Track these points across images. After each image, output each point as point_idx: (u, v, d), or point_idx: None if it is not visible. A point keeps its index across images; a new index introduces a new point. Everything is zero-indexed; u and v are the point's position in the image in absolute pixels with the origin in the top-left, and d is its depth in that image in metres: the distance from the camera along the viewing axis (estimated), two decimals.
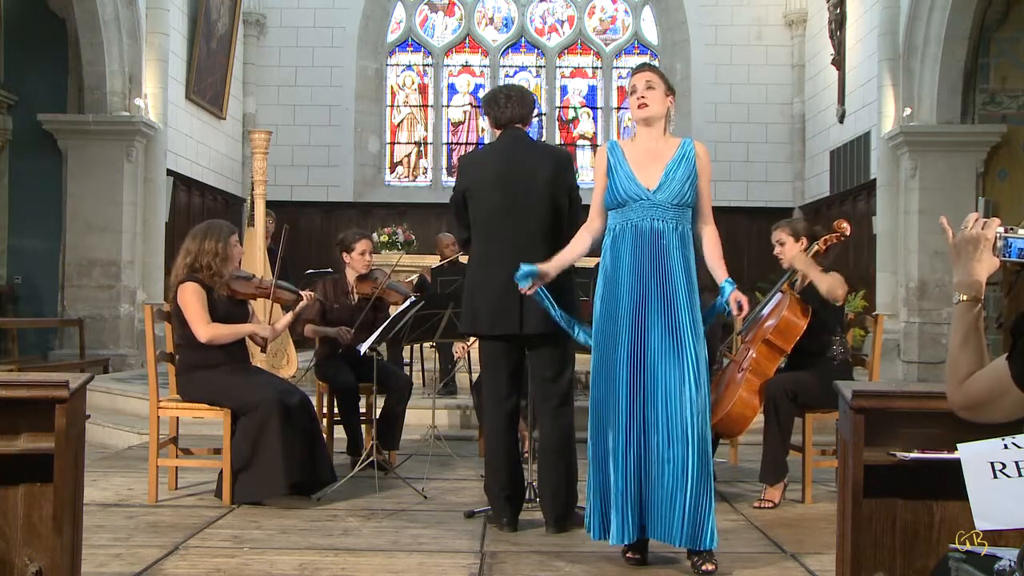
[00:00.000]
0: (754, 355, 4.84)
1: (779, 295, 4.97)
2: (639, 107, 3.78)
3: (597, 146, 14.66)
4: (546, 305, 3.89)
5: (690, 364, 3.57)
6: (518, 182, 4.18)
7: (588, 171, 14.46)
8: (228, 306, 4.80)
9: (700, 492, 3.53)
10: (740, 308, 3.68)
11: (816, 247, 4.96)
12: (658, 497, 3.56)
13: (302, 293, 5.22)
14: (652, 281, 3.63)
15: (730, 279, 3.76)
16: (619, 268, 3.68)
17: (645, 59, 14.65)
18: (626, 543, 3.65)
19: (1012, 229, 1.91)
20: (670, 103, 3.82)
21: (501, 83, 14.60)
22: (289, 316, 5.20)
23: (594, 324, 3.77)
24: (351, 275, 5.76)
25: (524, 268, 3.79)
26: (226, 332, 4.71)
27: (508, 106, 4.32)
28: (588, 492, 3.72)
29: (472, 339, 6.03)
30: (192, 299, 4.66)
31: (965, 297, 1.92)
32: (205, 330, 4.65)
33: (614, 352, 3.64)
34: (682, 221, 3.70)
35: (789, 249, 4.98)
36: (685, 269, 3.65)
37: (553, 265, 3.85)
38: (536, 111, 4.49)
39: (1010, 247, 1.91)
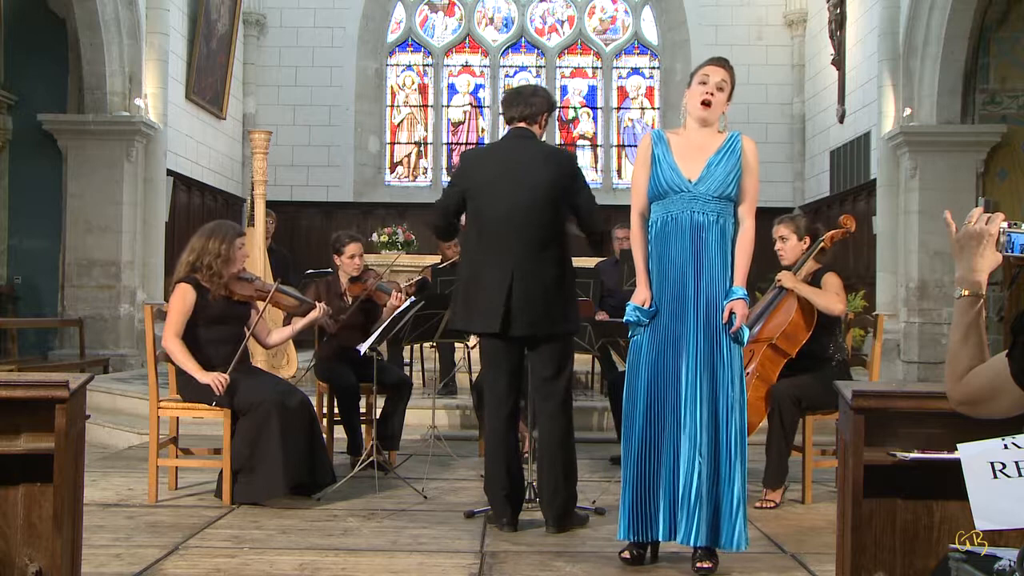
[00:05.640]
0: (760, 359, 4.80)
1: (782, 295, 4.92)
2: (703, 104, 3.71)
3: (597, 146, 14.67)
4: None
5: (723, 361, 3.56)
6: (519, 184, 4.17)
7: (588, 171, 14.48)
8: (225, 306, 4.79)
9: (718, 491, 3.52)
10: (731, 318, 3.58)
11: (822, 243, 4.95)
12: (684, 496, 3.54)
13: (318, 304, 5.16)
14: (693, 276, 3.60)
15: (741, 288, 3.61)
16: (662, 263, 3.65)
17: (645, 59, 14.66)
18: (674, 540, 3.58)
19: (1016, 224, 1.91)
20: (727, 107, 3.80)
21: (501, 83, 14.60)
22: (296, 326, 5.18)
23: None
24: (343, 277, 5.77)
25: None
26: (179, 357, 4.66)
27: (515, 104, 4.33)
28: (632, 493, 3.60)
29: (473, 340, 6.03)
30: (176, 302, 4.69)
31: (967, 292, 1.92)
32: (169, 340, 4.67)
33: (665, 348, 3.60)
34: (723, 214, 3.65)
35: (791, 247, 4.96)
36: (723, 265, 3.62)
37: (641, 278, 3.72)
38: (546, 112, 4.34)
39: (1013, 243, 1.91)
